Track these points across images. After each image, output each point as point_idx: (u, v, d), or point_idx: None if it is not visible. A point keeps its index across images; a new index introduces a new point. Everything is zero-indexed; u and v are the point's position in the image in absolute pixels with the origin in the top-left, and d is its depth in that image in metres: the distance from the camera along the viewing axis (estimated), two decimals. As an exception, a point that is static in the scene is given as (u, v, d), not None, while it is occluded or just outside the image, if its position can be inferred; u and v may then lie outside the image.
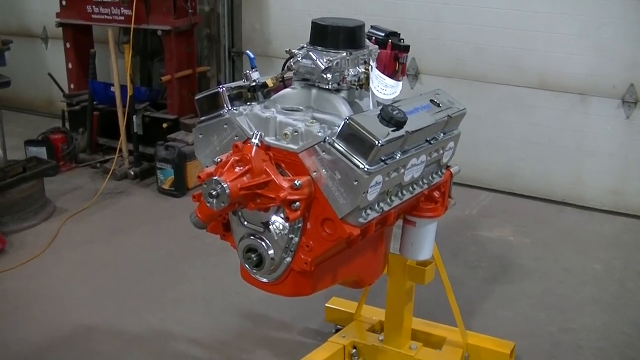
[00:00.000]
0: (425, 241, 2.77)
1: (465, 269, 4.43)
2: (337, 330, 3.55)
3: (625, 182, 5.29)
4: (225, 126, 2.32)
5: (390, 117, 2.15)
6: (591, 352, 3.59)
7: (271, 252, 2.26)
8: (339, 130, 2.10)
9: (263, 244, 2.27)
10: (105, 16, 5.84)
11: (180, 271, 4.37)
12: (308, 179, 2.13)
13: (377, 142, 2.05)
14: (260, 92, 2.42)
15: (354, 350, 3.31)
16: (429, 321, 3.46)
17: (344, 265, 2.43)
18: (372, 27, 2.53)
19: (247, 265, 2.32)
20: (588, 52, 5.16)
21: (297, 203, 2.10)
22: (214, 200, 2.06)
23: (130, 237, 4.86)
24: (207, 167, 2.31)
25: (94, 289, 4.15)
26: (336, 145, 2.08)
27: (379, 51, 2.48)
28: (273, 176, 2.10)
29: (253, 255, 2.28)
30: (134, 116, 5.71)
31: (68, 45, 6.33)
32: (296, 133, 2.17)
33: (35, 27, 7.54)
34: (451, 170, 2.72)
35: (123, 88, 5.71)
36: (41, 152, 5.81)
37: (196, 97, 2.40)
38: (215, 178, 2.06)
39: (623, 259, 4.62)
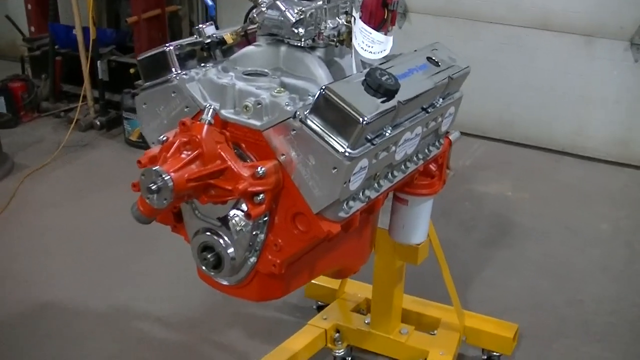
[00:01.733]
0: (419, 222, 2.37)
1: (460, 230, 4.07)
2: (319, 308, 3.21)
3: (632, 131, 4.93)
4: (173, 94, 1.86)
5: (379, 84, 1.69)
6: (600, 328, 3.25)
7: (231, 250, 1.83)
8: (313, 103, 1.65)
9: (221, 241, 1.83)
10: (65, -50, 5.30)
11: (148, 239, 3.92)
12: (275, 164, 1.69)
13: (361, 120, 1.60)
14: (218, 51, 1.97)
15: (337, 335, 2.94)
16: (420, 299, 3.09)
17: (323, 257, 2.02)
18: (354, -34, 2.07)
19: (203, 267, 1.90)
20: (595, -11, 4.71)
21: (261, 195, 1.66)
22: (154, 196, 1.60)
23: (95, 198, 4.43)
24: (153, 145, 1.89)
25: (55, 259, 3.76)
26: (309, 122, 1.63)
27: (363, -3, 2.03)
28: (230, 162, 1.64)
29: (209, 255, 1.85)
30: (99, 61, 5.25)
31: (27, -17, 5.80)
32: (259, 105, 1.71)
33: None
34: (450, 137, 2.30)
35: (86, 30, 5.21)
36: (-1, 102, 5.36)
37: (138, 58, 1.94)
38: (155, 169, 1.59)
39: (631, 217, 4.27)
